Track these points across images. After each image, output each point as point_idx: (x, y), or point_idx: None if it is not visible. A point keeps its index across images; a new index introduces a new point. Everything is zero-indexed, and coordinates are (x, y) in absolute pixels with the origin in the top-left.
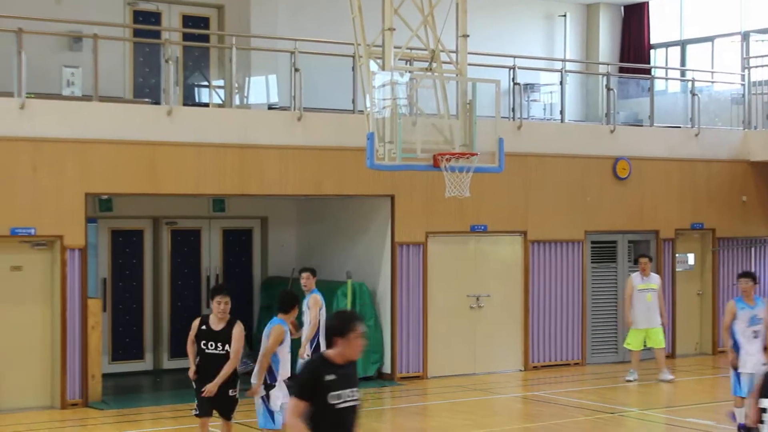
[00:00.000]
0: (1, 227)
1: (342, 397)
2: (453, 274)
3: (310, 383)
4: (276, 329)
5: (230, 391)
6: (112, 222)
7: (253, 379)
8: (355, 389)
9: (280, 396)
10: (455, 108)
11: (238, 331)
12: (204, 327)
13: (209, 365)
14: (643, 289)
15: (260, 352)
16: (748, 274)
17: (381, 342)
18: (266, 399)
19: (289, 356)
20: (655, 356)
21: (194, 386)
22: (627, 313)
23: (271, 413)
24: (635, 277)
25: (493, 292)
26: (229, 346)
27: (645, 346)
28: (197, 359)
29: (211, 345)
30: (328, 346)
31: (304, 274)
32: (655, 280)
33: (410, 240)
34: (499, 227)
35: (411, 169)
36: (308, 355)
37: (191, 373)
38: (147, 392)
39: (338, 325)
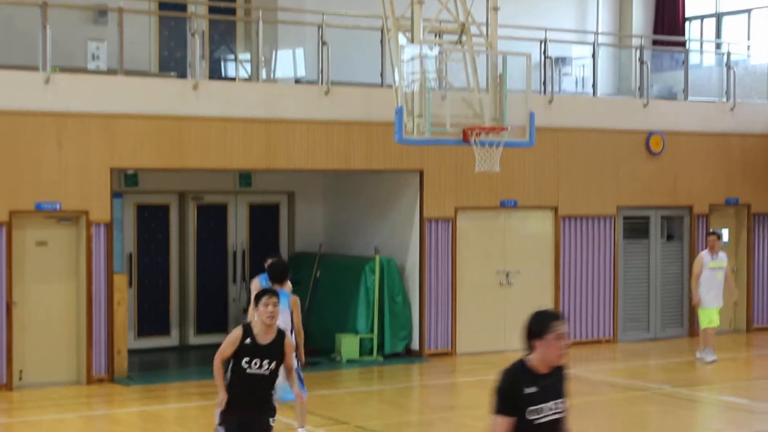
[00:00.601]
0: (26, 202)
1: (543, 412)
2: (482, 250)
3: (510, 397)
4: (296, 301)
5: (271, 420)
6: (138, 197)
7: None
8: (560, 401)
9: None
10: (485, 82)
11: (290, 343)
12: (249, 341)
13: (250, 389)
14: (714, 268)
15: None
16: None
17: (409, 318)
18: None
19: None
20: (705, 334)
21: (220, 418)
22: (695, 292)
23: (301, 379)
24: (705, 255)
25: (523, 269)
26: (276, 365)
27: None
28: (228, 380)
29: (256, 363)
30: (529, 350)
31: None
32: (723, 257)
33: (439, 215)
34: (529, 202)
35: (440, 143)
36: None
37: (222, 401)
38: (173, 368)
39: (535, 326)
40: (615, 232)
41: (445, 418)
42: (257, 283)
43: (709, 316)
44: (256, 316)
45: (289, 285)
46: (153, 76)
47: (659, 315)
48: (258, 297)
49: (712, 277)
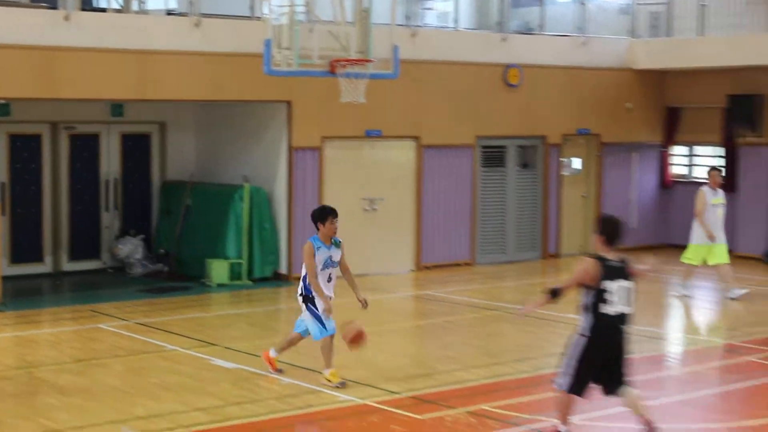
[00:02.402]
0: None
1: None
2: (348, 178)
3: None
4: (303, 249)
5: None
6: (10, 126)
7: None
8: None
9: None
10: (352, 15)
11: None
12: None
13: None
14: (716, 204)
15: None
16: None
17: (277, 244)
18: (313, 308)
19: (324, 274)
20: (720, 273)
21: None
22: (708, 228)
23: (320, 321)
24: (708, 191)
25: (387, 196)
26: None
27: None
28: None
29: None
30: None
31: None
32: (722, 194)
33: (306, 145)
34: (393, 132)
35: (307, 75)
36: None
37: None
38: (47, 294)
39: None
40: (474, 160)
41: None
42: None
43: (696, 253)
44: None
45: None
46: (24, 6)
47: (514, 239)
48: None
49: (714, 213)
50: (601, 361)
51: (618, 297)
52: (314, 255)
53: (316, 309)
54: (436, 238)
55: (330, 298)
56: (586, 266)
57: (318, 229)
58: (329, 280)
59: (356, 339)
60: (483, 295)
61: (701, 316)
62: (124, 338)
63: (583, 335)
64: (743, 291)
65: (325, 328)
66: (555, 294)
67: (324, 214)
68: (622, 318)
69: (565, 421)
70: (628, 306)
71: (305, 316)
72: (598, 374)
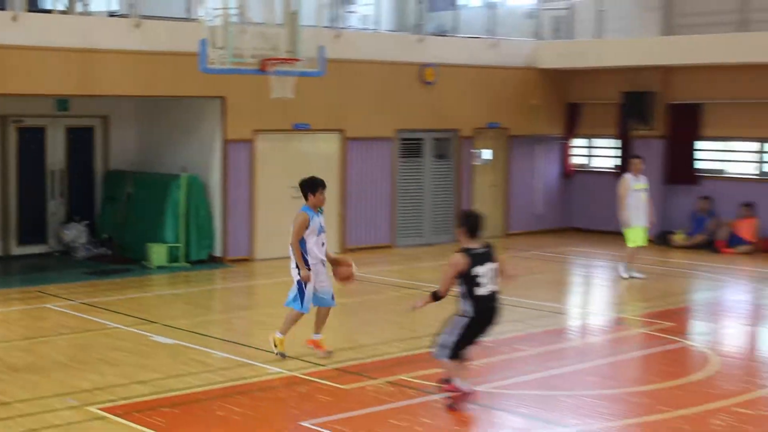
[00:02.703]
0: None
1: None
2: (278, 168)
3: None
4: (296, 217)
5: None
6: None
7: (296, 269)
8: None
9: (312, 279)
10: (281, 18)
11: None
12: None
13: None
14: (639, 189)
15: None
16: None
17: (212, 229)
18: (303, 282)
19: (319, 240)
20: (631, 252)
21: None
22: (624, 213)
23: (301, 296)
24: (630, 177)
25: None
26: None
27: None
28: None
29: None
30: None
31: None
32: (644, 180)
33: (239, 137)
34: (319, 126)
35: (240, 72)
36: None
37: None
38: None
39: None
40: (393, 152)
41: (243, 316)
42: None
43: (637, 235)
44: None
45: (310, 200)
46: None
47: (430, 223)
48: None
49: (638, 198)
50: (479, 333)
51: (487, 279)
52: (308, 224)
53: (305, 287)
54: (359, 222)
55: (323, 261)
56: (455, 261)
57: (307, 199)
58: (322, 244)
59: (344, 279)
60: (402, 275)
61: (600, 292)
62: (70, 317)
63: (465, 315)
64: (638, 276)
65: (301, 306)
66: (437, 297)
67: (315, 185)
68: (493, 295)
69: (458, 376)
70: (496, 284)
71: (294, 285)
72: (471, 342)
